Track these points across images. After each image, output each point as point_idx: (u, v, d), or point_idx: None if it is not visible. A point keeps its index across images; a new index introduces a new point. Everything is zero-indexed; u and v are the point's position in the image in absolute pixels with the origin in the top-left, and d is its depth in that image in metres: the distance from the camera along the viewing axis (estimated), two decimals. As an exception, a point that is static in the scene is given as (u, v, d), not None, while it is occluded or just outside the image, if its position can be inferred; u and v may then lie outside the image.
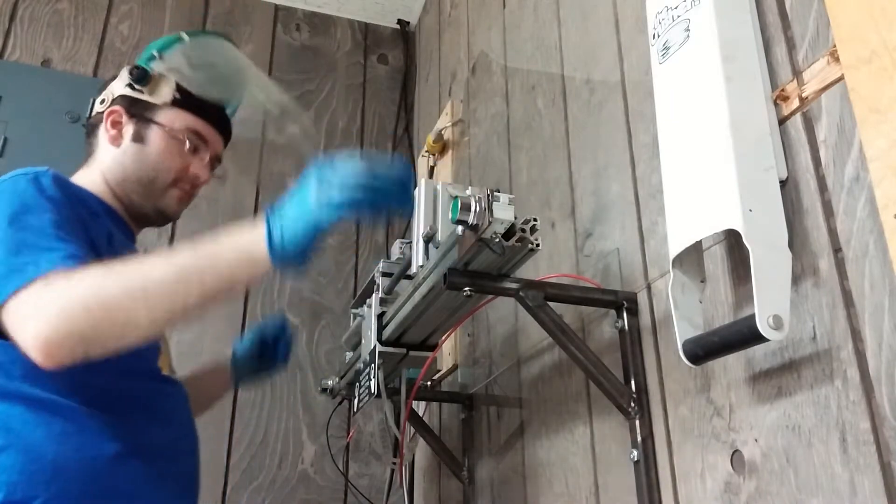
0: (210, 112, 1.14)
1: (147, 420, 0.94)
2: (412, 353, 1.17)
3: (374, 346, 1.15)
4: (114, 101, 1.11)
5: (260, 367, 1.34)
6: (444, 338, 1.19)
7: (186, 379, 1.22)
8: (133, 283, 0.81)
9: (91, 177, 1.09)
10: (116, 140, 1.09)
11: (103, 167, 1.09)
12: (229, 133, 1.19)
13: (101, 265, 0.83)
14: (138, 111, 1.10)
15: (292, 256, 0.82)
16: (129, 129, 1.10)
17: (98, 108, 1.13)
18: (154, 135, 1.09)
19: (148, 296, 0.80)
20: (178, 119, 1.10)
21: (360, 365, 1.23)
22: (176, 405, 1.02)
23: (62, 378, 0.84)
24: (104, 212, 1.05)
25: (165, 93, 1.11)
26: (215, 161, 1.16)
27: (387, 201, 0.84)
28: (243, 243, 0.83)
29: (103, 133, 1.10)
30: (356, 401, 1.24)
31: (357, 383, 1.24)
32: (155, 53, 1.13)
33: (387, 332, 1.15)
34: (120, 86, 1.12)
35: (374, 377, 1.14)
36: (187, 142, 1.10)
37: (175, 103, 1.11)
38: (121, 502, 0.88)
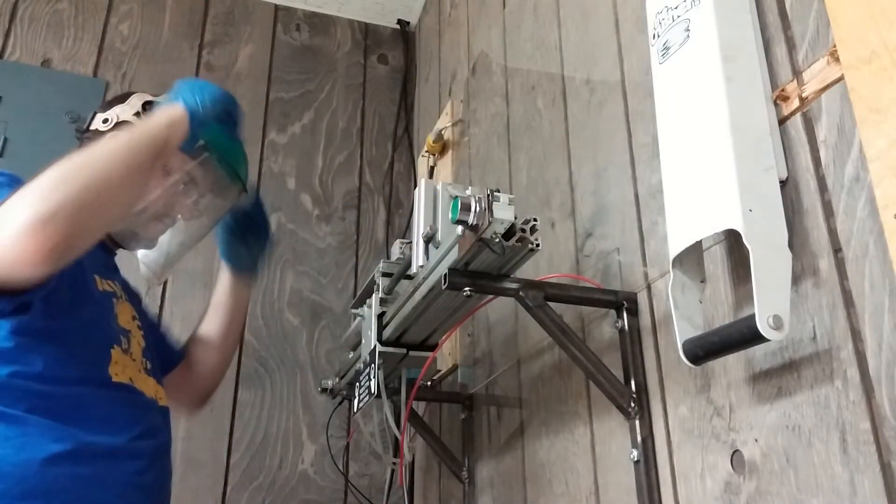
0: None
1: (92, 425, 0.94)
2: (412, 353, 1.17)
3: (374, 346, 1.15)
4: (117, 126, 1.11)
5: (253, 249, 1.30)
6: (444, 338, 1.19)
7: (208, 315, 1.28)
8: (91, 156, 0.89)
9: None
10: None
11: None
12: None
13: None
14: None
15: (212, 110, 1.02)
16: None
17: (100, 126, 1.13)
18: (152, 173, 1.10)
19: (110, 160, 0.90)
20: (177, 160, 1.10)
21: (360, 365, 1.24)
22: (127, 411, 1.00)
23: (7, 390, 0.88)
24: None
25: None
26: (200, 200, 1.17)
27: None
28: (164, 114, 1.00)
29: None
30: (356, 401, 1.24)
31: (357, 383, 1.24)
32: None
33: (387, 332, 1.15)
34: (127, 113, 1.12)
35: (374, 377, 1.14)
36: (185, 186, 1.11)
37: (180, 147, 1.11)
38: (55, 502, 0.88)
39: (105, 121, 1.13)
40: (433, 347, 1.18)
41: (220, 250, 1.29)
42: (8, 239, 0.81)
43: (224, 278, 1.30)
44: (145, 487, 0.99)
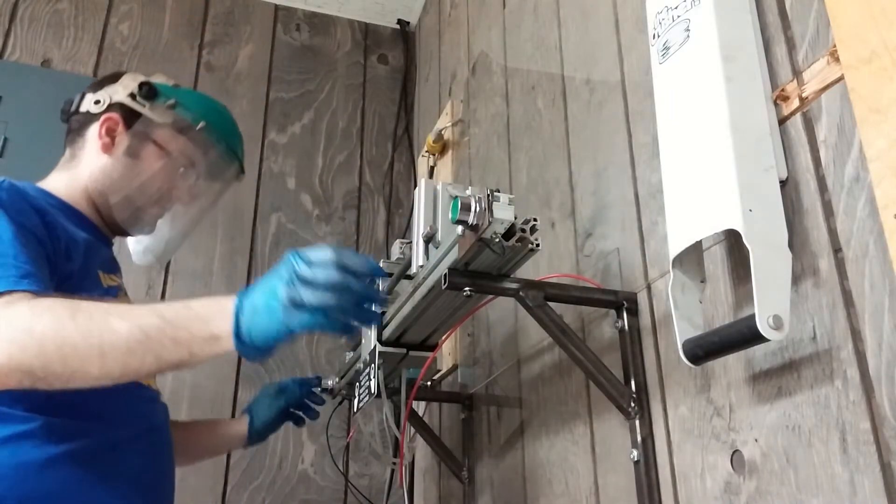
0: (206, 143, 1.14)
1: (91, 422, 0.93)
2: (412, 353, 1.17)
3: (374, 346, 1.15)
4: (110, 107, 1.09)
5: (278, 426, 1.33)
6: (444, 338, 1.19)
7: (196, 424, 1.24)
8: (93, 335, 0.77)
9: (70, 182, 1.07)
10: (108, 149, 1.08)
11: (87, 173, 1.07)
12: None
13: (68, 301, 0.80)
14: (137, 125, 1.09)
15: (258, 352, 0.78)
16: (123, 140, 1.08)
17: (91, 107, 1.10)
18: (148, 153, 1.09)
19: (105, 352, 0.77)
20: (174, 143, 1.10)
21: (360, 365, 1.23)
22: (127, 405, 0.99)
23: (7, 391, 0.85)
24: (74, 220, 1.03)
25: (167, 115, 1.10)
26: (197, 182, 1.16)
27: (357, 310, 0.79)
28: (211, 326, 0.79)
29: (94, 137, 1.08)
30: (356, 401, 1.24)
31: (357, 383, 1.24)
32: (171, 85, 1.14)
33: (387, 332, 1.15)
34: (121, 93, 1.10)
35: (374, 377, 1.14)
36: (180, 167, 1.10)
37: (175, 127, 1.10)
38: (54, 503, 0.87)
39: (97, 102, 1.10)
40: (433, 347, 1.18)
41: (255, 408, 1.30)
42: None
43: (236, 425, 1.30)
44: (150, 482, 0.98)
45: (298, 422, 1.35)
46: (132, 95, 1.10)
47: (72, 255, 0.96)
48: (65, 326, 0.77)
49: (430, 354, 1.17)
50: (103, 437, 0.93)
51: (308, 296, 0.75)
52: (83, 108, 1.11)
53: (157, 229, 1.15)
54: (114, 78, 1.14)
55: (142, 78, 1.12)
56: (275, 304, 0.76)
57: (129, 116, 1.09)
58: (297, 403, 1.33)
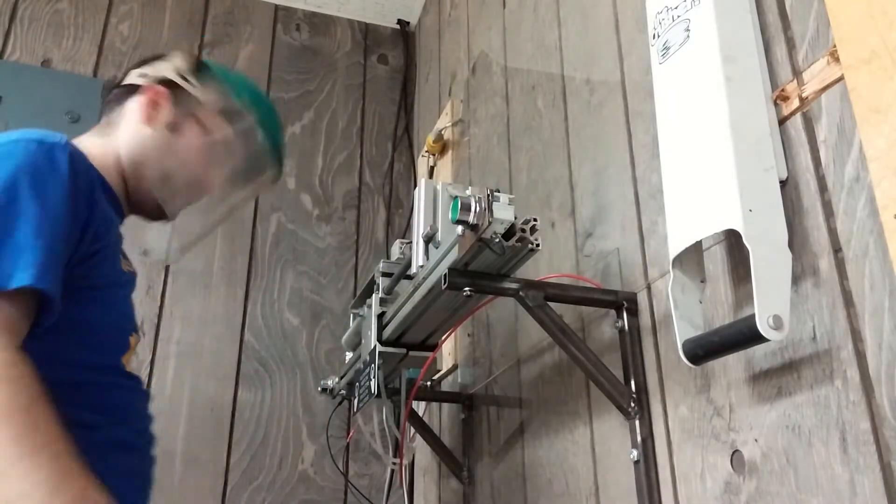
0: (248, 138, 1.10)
1: (107, 416, 0.91)
2: (412, 353, 1.17)
3: (374, 346, 1.15)
4: (158, 81, 1.05)
5: None
6: (444, 338, 1.19)
7: None
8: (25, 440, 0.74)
9: (104, 147, 1.02)
10: (150, 120, 1.03)
11: (124, 141, 1.03)
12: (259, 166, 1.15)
13: (36, 387, 0.77)
14: (184, 102, 1.05)
15: None
16: (166, 114, 1.04)
17: (136, 79, 1.06)
18: (190, 131, 1.05)
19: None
20: (218, 127, 1.06)
21: (360, 365, 1.24)
22: (136, 401, 0.97)
23: None
24: (108, 194, 0.98)
25: (215, 98, 1.07)
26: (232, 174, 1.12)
27: None
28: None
29: (136, 107, 1.04)
30: (356, 401, 1.24)
31: (357, 383, 1.24)
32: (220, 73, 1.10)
33: (387, 332, 1.15)
34: (170, 69, 1.06)
35: (374, 377, 1.14)
36: (221, 152, 1.06)
37: (221, 112, 1.07)
38: None
39: (143, 75, 1.06)
40: (433, 347, 1.18)
41: None
42: None
43: None
44: (149, 479, 0.97)
45: None
46: (181, 73, 1.06)
47: (100, 237, 0.92)
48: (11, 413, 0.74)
49: (430, 354, 1.17)
50: (118, 431, 0.92)
51: None
52: (126, 81, 1.07)
53: (176, 223, 1.11)
54: (162, 56, 1.10)
55: (194, 56, 1.09)
56: None
57: (176, 91, 1.05)
58: None
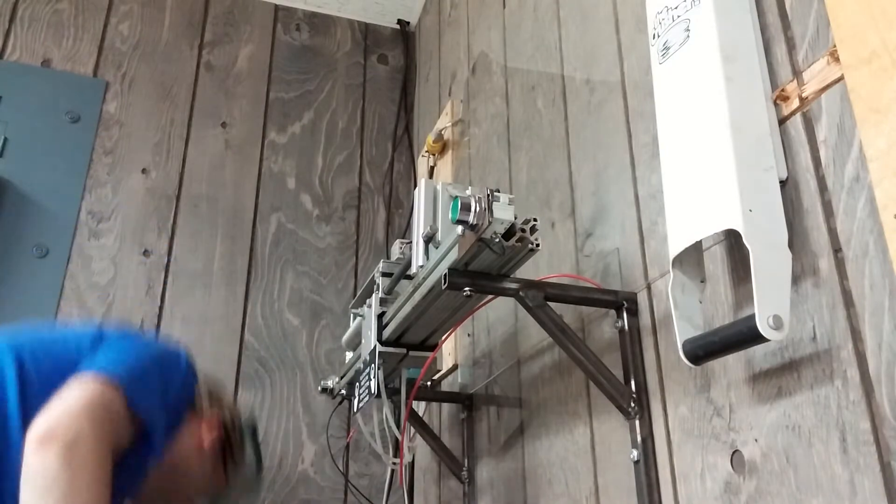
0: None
1: None
2: (412, 353, 1.17)
3: (374, 346, 1.15)
4: (216, 415, 1.17)
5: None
6: (444, 338, 1.19)
7: None
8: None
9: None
10: (203, 443, 1.14)
11: (181, 445, 1.12)
12: None
13: (103, 476, 0.91)
14: (222, 446, 1.17)
15: None
16: (209, 441, 1.14)
17: (205, 401, 1.17)
18: (205, 463, 1.15)
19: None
20: (221, 471, 1.18)
21: (360, 365, 1.24)
22: None
23: None
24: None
25: (241, 454, 1.20)
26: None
27: None
28: None
29: (198, 426, 1.14)
30: (356, 401, 1.24)
31: (357, 383, 1.24)
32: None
33: (387, 332, 1.15)
34: (227, 415, 1.18)
35: (374, 377, 1.14)
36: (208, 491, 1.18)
37: (235, 466, 1.20)
38: None
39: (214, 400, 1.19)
40: (433, 347, 1.18)
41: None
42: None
43: None
44: None
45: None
46: (234, 423, 1.18)
47: (153, 445, 1.04)
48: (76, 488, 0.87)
49: (430, 354, 1.17)
50: None
51: None
52: (198, 403, 1.16)
53: None
54: (222, 399, 1.21)
55: (238, 418, 1.21)
56: None
57: (223, 436, 1.17)
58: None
